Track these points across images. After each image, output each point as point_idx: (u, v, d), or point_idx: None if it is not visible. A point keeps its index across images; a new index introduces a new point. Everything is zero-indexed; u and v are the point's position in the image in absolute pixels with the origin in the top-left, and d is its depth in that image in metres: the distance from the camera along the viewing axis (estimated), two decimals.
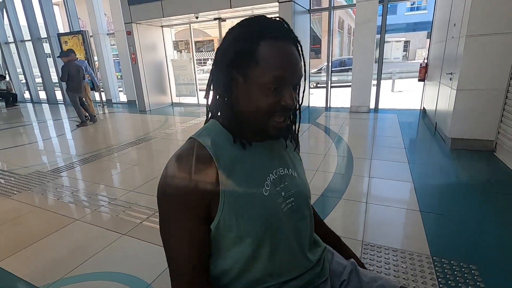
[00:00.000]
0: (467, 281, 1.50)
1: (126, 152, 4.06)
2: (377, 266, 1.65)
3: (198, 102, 8.06)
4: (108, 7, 8.19)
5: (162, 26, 7.62)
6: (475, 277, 1.52)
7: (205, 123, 0.72)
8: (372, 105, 6.15)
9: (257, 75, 0.59)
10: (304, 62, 0.64)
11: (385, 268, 1.63)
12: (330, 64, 6.69)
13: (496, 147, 3.36)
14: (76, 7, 9.18)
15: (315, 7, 7.42)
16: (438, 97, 4.42)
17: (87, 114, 6.12)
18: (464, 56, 3.29)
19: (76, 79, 5.62)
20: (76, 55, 5.88)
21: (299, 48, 0.63)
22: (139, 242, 1.97)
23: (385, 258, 1.71)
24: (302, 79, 0.64)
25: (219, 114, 0.70)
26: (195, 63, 7.85)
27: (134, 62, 7.13)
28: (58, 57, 6.26)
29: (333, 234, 0.94)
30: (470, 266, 1.60)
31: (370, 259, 1.70)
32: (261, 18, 0.61)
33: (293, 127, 0.76)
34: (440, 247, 1.79)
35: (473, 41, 3.21)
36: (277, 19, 0.62)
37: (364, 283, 0.79)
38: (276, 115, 0.62)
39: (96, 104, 9.04)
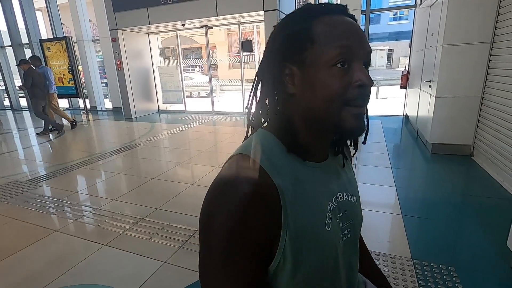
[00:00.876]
0: (446, 282, 1.54)
1: (111, 160, 3.98)
2: None
3: (185, 109, 8.02)
4: (93, 13, 8.11)
5: (148, 33, 7.60)
6: (454, 278, 1.56)
7: (248, 134, 0.59)
8: None
9: (317, 53, 0.47)
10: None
11: None
12: None
13: (473, 152, 3.49)
14: (60, 13, 9.04)
15: None
16: (419, 104, 4.57)
17: (58, 122, 5.87)
18: (441, 64, 3.42)
19: (40, 85, 5.50)
20: (41, 62, 5.78)
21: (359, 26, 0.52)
22: (120, 252, 1.92)
23: None
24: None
25: (266, 121, 0.57)
26: (183, 70, 7.84)
27: (119, 69, 7.05)
28: (17, 65, 6.05)
29: (370, 257, 0.79)
30: (449, 267, 1.65)
31: None
32: (310, 4, 0.52)
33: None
34: (420, 249, 1.83)
35: (449, 50, 3.35)
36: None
37: None
38: (352, 103, 0.47)
39: (79, 111, 8.86)
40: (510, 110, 2.67)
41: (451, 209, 2.37)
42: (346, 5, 0.51)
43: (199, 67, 15.63)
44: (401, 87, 6.03)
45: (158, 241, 2.03)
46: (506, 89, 2.79)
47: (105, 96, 9.72)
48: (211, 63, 7.95)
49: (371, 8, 5.94)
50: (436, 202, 2.50)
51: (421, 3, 5.02)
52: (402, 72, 6.00)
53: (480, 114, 3.38)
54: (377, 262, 1.72)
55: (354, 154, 0.68)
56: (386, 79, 12.35)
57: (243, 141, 0.57)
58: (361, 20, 5.74)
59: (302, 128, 0.53)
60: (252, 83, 0.56)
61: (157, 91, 8.11)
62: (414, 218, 2.22)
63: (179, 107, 8.19)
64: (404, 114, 6.10)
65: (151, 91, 7.99)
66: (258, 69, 0.55)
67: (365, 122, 0.52)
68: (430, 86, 3.82)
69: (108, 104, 9.25)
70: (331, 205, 0.55)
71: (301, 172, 0.52)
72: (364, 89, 0.48)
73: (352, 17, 0.51)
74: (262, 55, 0.56)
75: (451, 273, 1.61)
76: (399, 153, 3.98)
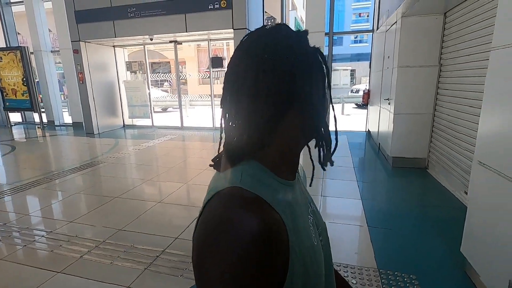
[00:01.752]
0: None
1: (69, 179, 3.69)
2: None
3: (153, 124, 7.79)
4: (53, 23, 7.72)
5: (114, 46, 7.38)
6: (415, 286, 1.64)
7: (231, 165, 0.50)
8: None
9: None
10: None
11: None
12: None
13: (428, 165, 3.78)
14: (15, 21, 8.48)
15: None
16: (380, 120, 4.88)
17: None
18: (397, 84, 3.72)
19: None
20: None
21: None
22: (77, 279, 1.76)
23: None
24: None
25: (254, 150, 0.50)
26: (150, 84, 7.66)
27: (81, 82, 6.71)
28: None
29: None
30: (411, 276, 1.73)
31: None
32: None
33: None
34: (385, 259, 1.91)
35: (404, 71, 3.66)
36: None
37: None
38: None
39: (34, 125, 8.20)
40: (456, 126, 2.96)
41: (411, 219, 2.52)
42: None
43: (167, 81, 15.40)
44: (363, 105, 6.43)
45: (120, 264, 1.89)
46: (452, 107, 3.09)
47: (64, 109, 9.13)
48: (181, 78, 7.88)
49: (334, 31, 6.36)
50: (398, 213, 2.64)
51: (377, 28, 5.48)
52: (364, 91, 6.41)
53: (432, 130, 3.69)
54: (345, 275, 1.75)
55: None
56: (349, 96, 13.07)
57: (214, 159, 0.53)
58: (324, 42, 6.11)
59: (287, 150, 0.52)
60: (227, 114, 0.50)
61: (122, 105, 7.81)
62: (379, 229, 2.32)
63: (146, 122, 7.94)
64: (367, 130, 6.47)
65: (116, 105, 7.68)
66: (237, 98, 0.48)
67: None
68: (389, 104, 4.12)
69: (67, 119, 8.69)
70: (310, 218, 0.55)
71: (289, 194, 0.51)
72: None
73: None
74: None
75: (413, 281, 1.69)
76: (363, 167, 4.18)
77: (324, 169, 0.59)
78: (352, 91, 13.11)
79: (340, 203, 2.87)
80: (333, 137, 0.56)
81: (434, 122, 3.65)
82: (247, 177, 0.47)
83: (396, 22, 3.82)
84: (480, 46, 2.54)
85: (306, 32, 0.51)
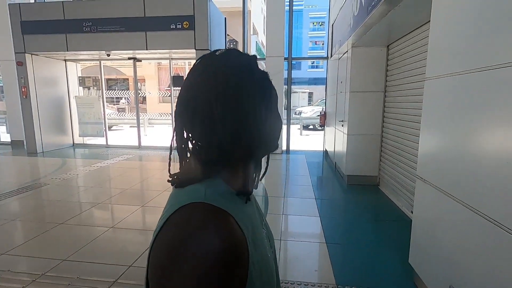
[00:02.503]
0: None
1: (2, 204, 3.26)
2: None
3: (107, 143, 7.31)
4: None
5: (65, 60, 6.93)
6: None
7: (192, 182, 0.51)
8: (284, 147, 6.76)
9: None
10: None
11: None
12: None
13: (379, 182, 4.07)
14: None
15: None
16: (335, 140, 5.18)
17: None
18: (350, 107, 4.03)
19: None
20: None
21: None
22: None
23: None
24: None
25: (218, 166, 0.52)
26: (105, 101, 7.27)
27: (24, 96, 6.13)
28: None
29: None
30: None
31: None
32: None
33: None
34: (343, 275, 1.97)
35: (355, 96, 3.99)
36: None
37: None
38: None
39: None
40: (401, 146, 3.26)
41: (365, 234, 2.65)
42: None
43: (125, 99, 14.75)
44: (320, 126, 6.79)
45: None
46: (396, 129, 3.42)
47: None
48: (139, 95, 7.61)
49: (292, 56, 6.75)
50: (353, 229, 2.77)
51: (331, 55, 5.95)
52: (320, 113, 6.81)
53: (381, 150, 4.01)
54: None
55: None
56: (308, 118, 13.74)
57: (172, 175, 0.53)
58: (284, 66, 6.44)
59: (242, 167, 0.53)
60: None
61: (72, 122, 7.25)
62: (336, 245, 2.40)
63: (99, 141, 7.43)
64: (324, 149, 6.81)
65: (65, 122, 7.10)
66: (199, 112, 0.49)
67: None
68: (342, 125, 4.41)
69: (4, 137, 7.79)
70: (264, 231, 0.57)
71: (246, 210, 0.52)
72: None
73: None
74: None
75: None
76: (321, 185, 4.36)
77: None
78: (295, 113, 13.51)
79: (300, 221, 2.93)
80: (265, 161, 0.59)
81: (383, 142, 3.98)
82: (211, 192, 0.47)
83: (347, 51, 4.19)
84: (417, 76, 2.89)
85: (255, 56, 0.55)
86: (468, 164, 1.29)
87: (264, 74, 0.54)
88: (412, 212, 2.86)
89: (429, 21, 1.74)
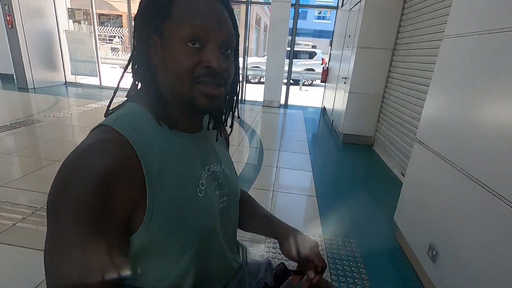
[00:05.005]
0: (348, 253, 1.80)
1: None
2: (278, 253, 1.79)
3: (101, 83, 7.07)
4: None
5: None
6: (354, 249, 1.83)
7: (117, 107, 0.57)
8: (282, 101, 6.64)
9: (173, 28, 0.48)
10: (236, 29, 0.54)
11: (279, 253, 1.78)
12: (246, 57, 6.86)
13: (374, 142, 4.11)
14: None
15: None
16: (335, 98, 5.09)
17: None
18: (355, 64, 3.86)
19: None
20: None
21: (230, 9, 0.54)
22: (11, 248, 1.61)
23: None
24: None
25: (137, 93, 0.57)
26: (98, 38, 6.83)
27: (10, 26, 5.70)
28: None
29: (260, 216, 0.79)
30: (351, 240, 1.92)
31: (273, 247, 1.84)
32: None
33: (230, 111, 0.65)
34: (330, 226, 2.08)
35: (362, 52, 3.79)
36: None
37: None
38: (201, 80, 0.50)
39: None
40: (401, 108, 3.21)
41: (354, 190, 2.76)
42: None
43: (118, 37, 13.89)
44: (322, 81, 6.60)
45: None
46: (400, 90, 3.33)
47: None
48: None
49: (300, 3, 6.23)
50: (343, 185, 2.86)
51: (342, 5, 5.51)
52: (323, 68, 6.55)
53: (380, 111, 3.97)
54: None
55: (229, 133, 0.75)
56: (308, 72, 13.29)
57: (105, 114, 0.55)
58: (290, 14, 5.98)
59: (169, 99, 0.54)
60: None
61: (63, 59, 6.89)
62: (326, 199, 2.50)
63: (92, 80, 7.17)
64: (322, 106, 6.73)
65: (56, 58, 6.75)
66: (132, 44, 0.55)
67: (219, 100, 0.53)
68: (345, 83, 4.28)
69: None
70: (205, 174, 0.59)
71: (171, 143, 0.54)
72: (212, 70, 0.49)
73: (224, 0, 0.53)
74: None
75: (352, 245, 1.88)
76: (316, 141, 4.39)
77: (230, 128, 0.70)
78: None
79: (292, 175, 3.01)
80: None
81: (383, 103, 3.92)
82: (121, 117, 0.50)
83: (360, 1, 3.87)
84: (432, 34, 2.72)
85: None
86: (472, 130, 1.27)
87: None
88: (402, 174, 2.94)
89: None
